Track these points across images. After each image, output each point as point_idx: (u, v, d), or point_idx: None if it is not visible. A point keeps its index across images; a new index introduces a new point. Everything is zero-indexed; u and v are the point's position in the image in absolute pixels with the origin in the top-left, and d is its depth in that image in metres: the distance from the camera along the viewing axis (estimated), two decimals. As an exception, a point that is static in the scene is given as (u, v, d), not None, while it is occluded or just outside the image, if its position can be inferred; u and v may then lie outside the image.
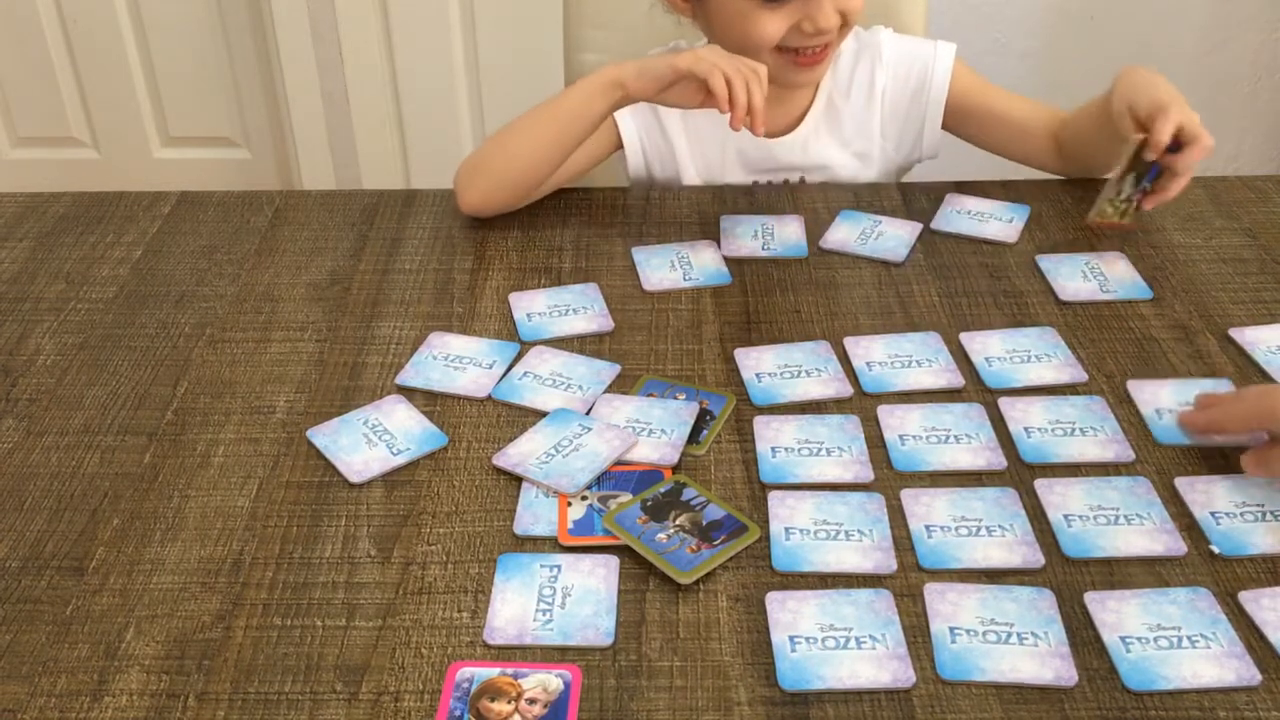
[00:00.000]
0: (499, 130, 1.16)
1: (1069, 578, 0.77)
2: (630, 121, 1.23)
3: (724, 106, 1.04)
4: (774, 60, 1.16)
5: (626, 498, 0.83)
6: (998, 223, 1.15)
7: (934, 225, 1.15)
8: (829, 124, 1.26)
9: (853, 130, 1.26)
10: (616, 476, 0.86)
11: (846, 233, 1.14)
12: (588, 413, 0.92)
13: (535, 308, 1.05)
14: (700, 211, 1.19)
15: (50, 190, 1.25)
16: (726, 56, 1.06)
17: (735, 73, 1.04)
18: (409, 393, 0.95)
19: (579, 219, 1.18)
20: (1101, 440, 0.88)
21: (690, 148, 1.26)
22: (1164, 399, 0.91)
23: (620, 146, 1.25)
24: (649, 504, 0.82)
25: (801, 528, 0.81)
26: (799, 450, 0.87)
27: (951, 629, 0.73)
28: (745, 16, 1.13)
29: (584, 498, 0.84)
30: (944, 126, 1.27)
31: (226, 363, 0.99)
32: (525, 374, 0.96)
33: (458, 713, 0.69)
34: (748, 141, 1.25)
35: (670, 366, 0.97)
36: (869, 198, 1.21)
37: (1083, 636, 0.73)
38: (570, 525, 0.81)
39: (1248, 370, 0.95)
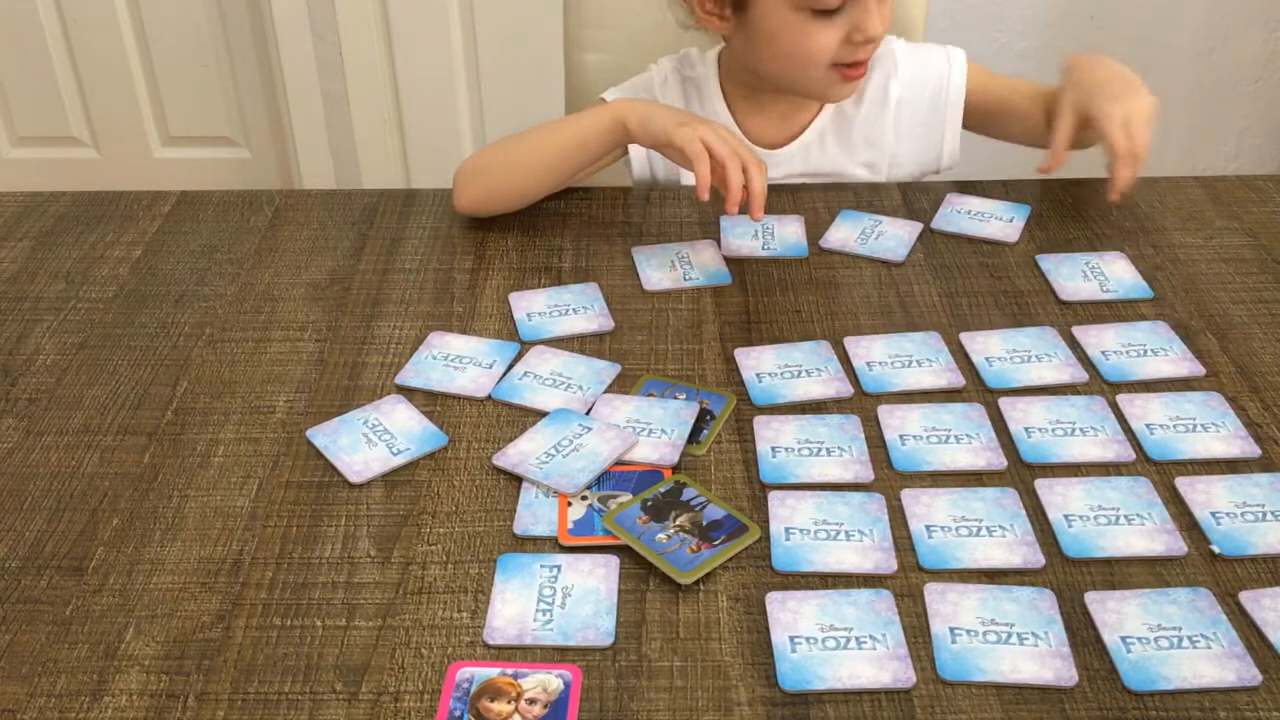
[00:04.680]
0: (506, 138, 1.16)
1: (1069, 578, 0.77)
2: None
3: (701, 194, 1.03)
4: (822, 76, 1.16)
5: (626, 498, 0.83)
6: (998, 222, 1.15)
7: (934, 225, 1.15)
8: (836, 133, 1.26)
9: (861, 139, 1.26)
10: (616, 476, 0.86)
11: (846, 233, 1.14)
12: (588, 413, 0.92)
13: (535, 307, 1.05)
14: (700, 211, 1.19)
15: (50, 190, 1.25)
16: (724, 140, 1.04)
17: (731, 157, 1.03)
18: (409, 393, 0.95)
19: (579, 219, 1.18)
20: (1101, 440, 0.88)
21: None
22: (1154, 413, 0.90)
23: (625, 153, 1.25)
24: (649, 504, 0.82)
25: (801, 528, 0.81)
26: (799, 450, 0.87)
27: (952, 629, 0.73)
28: (797, 31, 1.12)
29: (584, 498, 0.84)
30: (964, 127, 1.27)
31: (226, 363, 0.99)
32: (525, 374, 0.96)
33: (458, 713, 0.69)
34: (758, 152, 1.24)
35: (670, 366, 0.97)
36: (869, 198, 1.21)
37: (1083, 637, 0.73)
38: (570, 525, 0.81)
39: (1248, 369, 0.95)
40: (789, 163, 1.25)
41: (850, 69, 1.16)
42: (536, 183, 1.16)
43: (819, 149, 1.26)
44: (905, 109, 1.25)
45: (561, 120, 1.17)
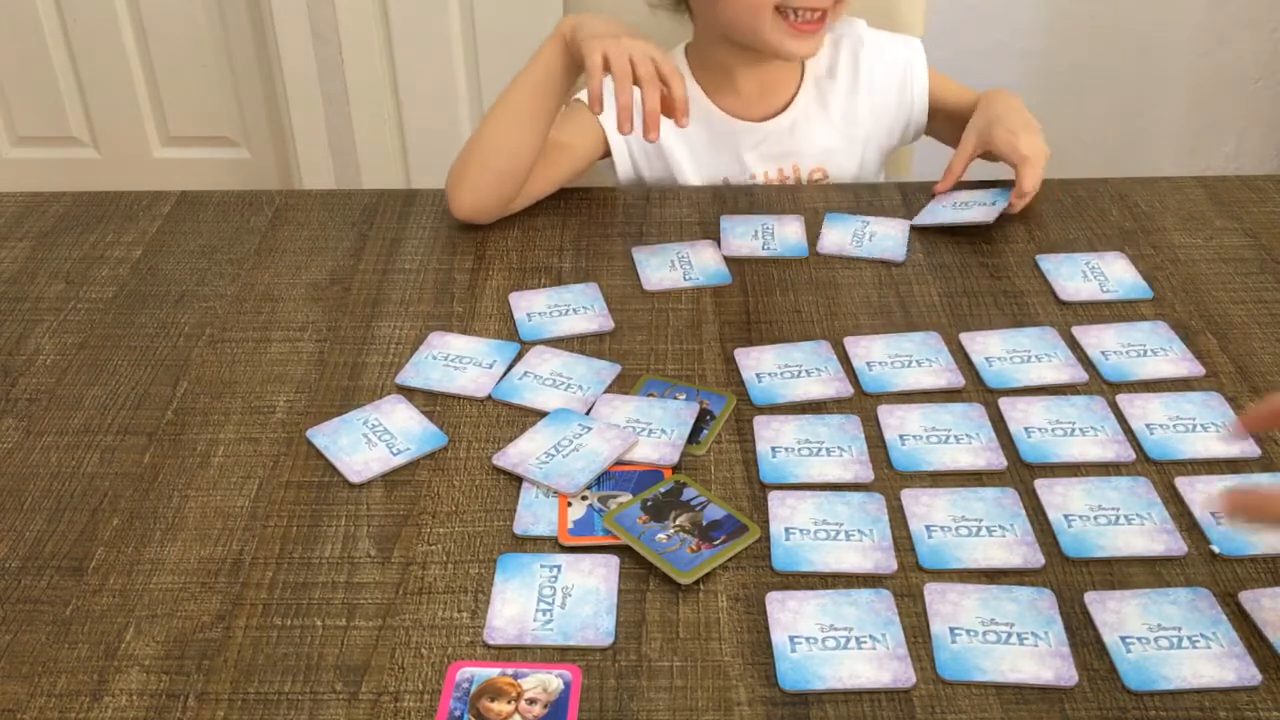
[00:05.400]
0: (473, 132, 1.15)
1: (1069, 578, 0.77)
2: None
3: (593, 107, 1.04)
4: (772, 25, 1.16)
5: (626, 498, 0.83)
6: (980, 207, 1.15)
7: (916, 222, 1.14)
8: (818, 106, 1.28)
9: (839, 113, 1.28)
10: (616, 476, 0.86)
11: (839, 236, 1.14)
12: (588, 413, 0.92)
13: (535, 307, 1.05)
14: (700, 211, 1.19)
15: (50, 190, 1.25)
16: (623, 55, 1.03)
17: (622, 75, 1.02)
18: (409, 393, 0.95)
19: (579, 219, 1.18)
20: (1101, 440, 0.88)
21: (679, 137, 1.25)
22: (1154, 413, 0.90)
23: (608, 154, 1.25)
24: (649, 504, 0.82)
25: (801, 528, 0.81)
26: (799, 450, 0.87)
27: (952, 629, 0.73)
28: None
29: (584, 498, 0.84)
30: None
31: (226, 363, 0.99)
32: (525, 374, 0.96)
33: (458, 713, 0.69)
34: (739, 125, 1.25)
35: (670, 366, 0.97)
36: (869, 198, 1.21)
37: (1083, 636, 0.73)
38: (570, 525, 0.81)
39: (1248, 369, 0.95)
40: (778, 138, 1.27)
41: (800, 23, 1.16)
42: (523, 141, 1.12)
43: (805, 123, 1.28)
44: (877, 89, 1.28)
45: (516, 74, 1.15)
